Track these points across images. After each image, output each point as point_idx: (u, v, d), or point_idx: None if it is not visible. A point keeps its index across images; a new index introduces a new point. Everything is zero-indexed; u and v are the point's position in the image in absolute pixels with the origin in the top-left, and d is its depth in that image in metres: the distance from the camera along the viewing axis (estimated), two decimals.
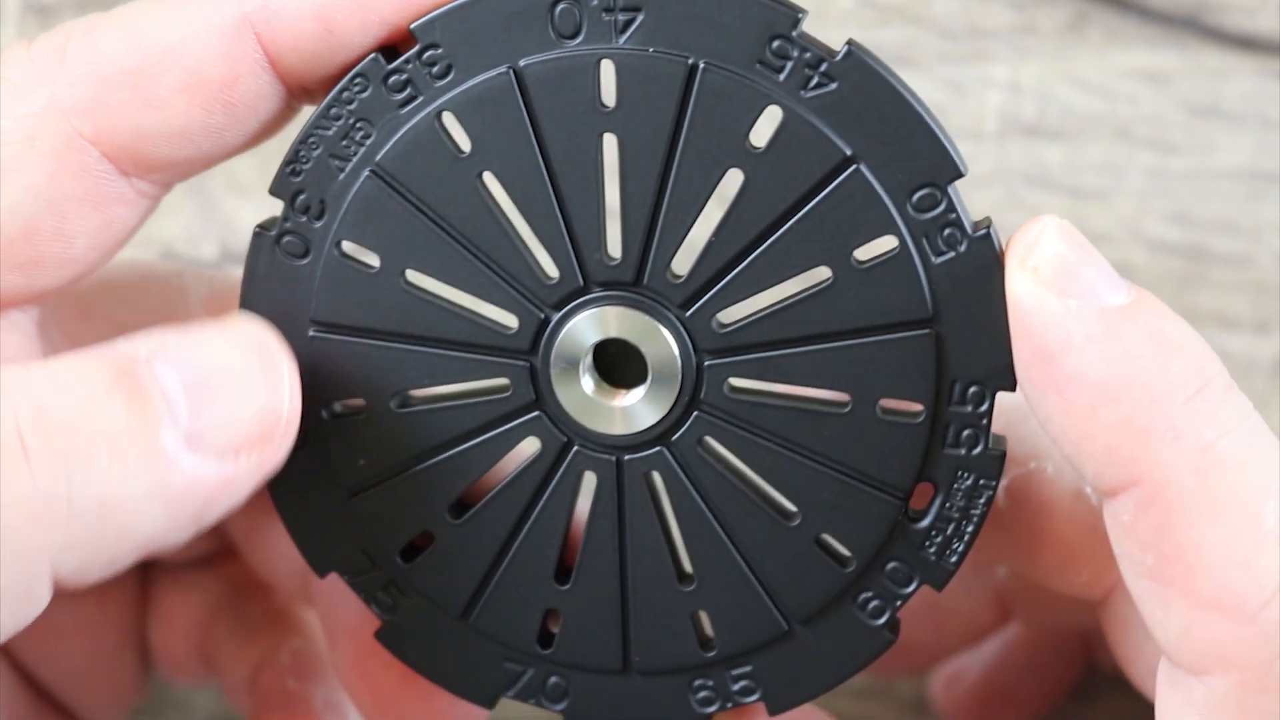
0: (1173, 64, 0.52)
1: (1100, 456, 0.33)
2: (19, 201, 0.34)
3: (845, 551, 0.35)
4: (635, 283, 0.35)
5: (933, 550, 0.35)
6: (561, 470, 0.35)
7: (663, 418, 0.35)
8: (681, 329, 0.35)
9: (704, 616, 0.36)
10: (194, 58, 0.34)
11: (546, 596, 0.36)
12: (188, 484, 0.32)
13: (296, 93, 0.35)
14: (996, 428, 0.35)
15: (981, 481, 0.35)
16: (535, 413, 0.35)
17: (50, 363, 0.32)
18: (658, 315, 0.35)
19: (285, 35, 0.34)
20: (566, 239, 0.34)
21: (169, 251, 0.47)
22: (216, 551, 0.43)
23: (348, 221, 0.35)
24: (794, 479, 0.35)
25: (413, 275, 0.35)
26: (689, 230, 0.34)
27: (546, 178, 0.34)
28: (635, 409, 0.35)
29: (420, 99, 0.35)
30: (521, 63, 0.34)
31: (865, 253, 0.34)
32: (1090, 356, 0.32)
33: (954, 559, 0.35)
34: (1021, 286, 0.33)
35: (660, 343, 0.35)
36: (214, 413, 0.33)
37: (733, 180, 0.34)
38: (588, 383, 0.35)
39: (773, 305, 0.34)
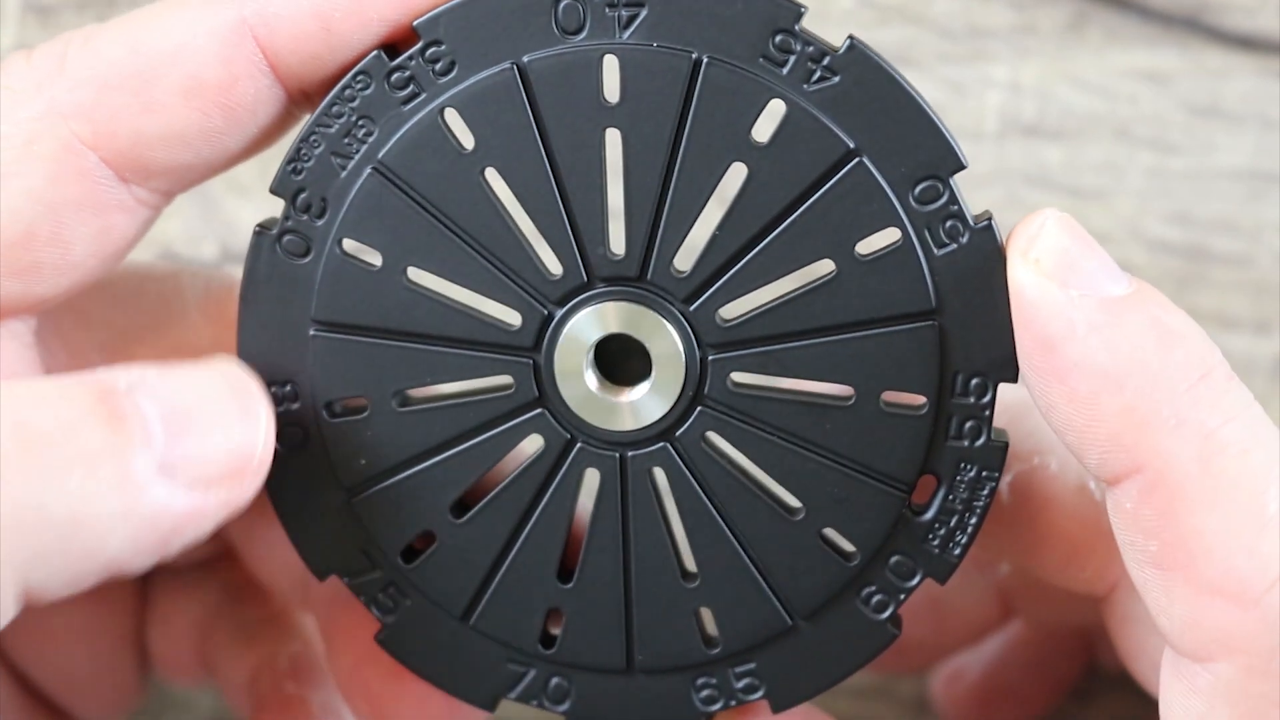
0: (1173, 64, 0.52)
1: (1103, 444, 0.33)
2: (17, 205, 0.34)
3: (849, 546, 0.35)
4: (638, 278, 0.35)
5: (936, 543, 0.35)
6: (564, 467, 0.35)
7: (666, 413, 0.35)
8: (685, 324, 0.35)
9: (707, 614, 0.36)
10: (192, 61, 0.34)
11: (549, 596, 0.36)
12: (156, 510, 0.33)
13: (296, 96, 0.35)
14: (1000, 424, 0.35)
15: (984, 473, 0.35)
16: (538, 410, 0.35)
17: (34, 381, 0.33)
18: (661, 310, 0.35)
19: (283, 37, 0.34)
20: (570, 235, 0.34)
21: (169, 252, 0.47)
22: (215, 555, 0.43)
23: (349, 219, 0.35)
24: (797, 473, 0.35)
25: (414, 273, 0.35)
26: (692, 225, 0.34)
27: (550, 173, 0.34)
28: (639, 405, 0.35)
29: (423, 96, 0.35)
30: (525, 58, 0.34)
31: (867, 245, 0.34)
32: (1093, 344, 0.32)
33: (957, 552, 0.35)
34: (1024, 277, 0.33)
35: (664, 338, 0.35)
36: (188, 445, 0.33)
37: (736, 175, 0.34)
38: (591, 379, 0.35)
39: (776, 299, 0.34)
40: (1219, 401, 0.32)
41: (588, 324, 0.35)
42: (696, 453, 0.35)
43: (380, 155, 0.35)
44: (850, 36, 0.34)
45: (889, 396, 0.34)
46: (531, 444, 0.36)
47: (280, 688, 0.42)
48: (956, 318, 0.34)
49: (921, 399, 0.34)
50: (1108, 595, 0.38)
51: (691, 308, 0.35)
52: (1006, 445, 0.35)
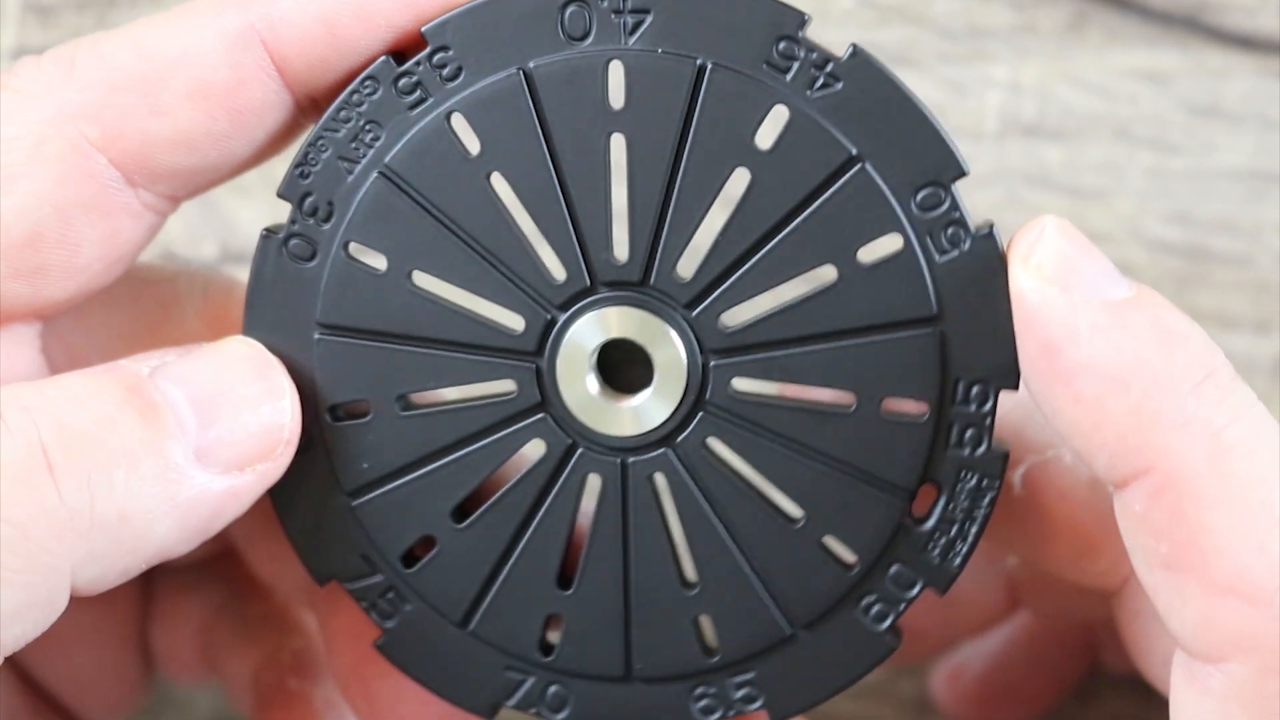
0: (1173, 64, 0.52)
1: (1110, 446, 0.33)
2: (25, 206, 0.34)
3: (849, 554, 0.35)
4: (641, 283, 0.35)
5: (936, 552, 0.35)
6: (566, 473, 0.35)
7: (668, 418, 0.35)
8: (687, 329, 0.35)
9: (706, 622, 0.36)
10: (200, 65, 0.34)
11: (548, 602, 0.36)
12: (197, 497, 0.34)
13: (303, 101, 0.35)
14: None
15: (985, 482, 0.35)
16: (540, 414, 0.35)
17: (61, 380, 0.33)
18: (664, 315, 0.35)
19: (290, 42, 0.34)
20: (573, 240, 0.34)
21: (168, 252, 0.47)
22: (218, 553, 0.43)
23: (355, 223, 0.35)
24: (798, 480, 0.35)
25: (419, 277, 0.35)
26: (695, 230, 0.34)
27: (555, 178, 0.34)
28: (641, 410, 0.35)
29: (430, 100, 0.35)
30: (531, 64, 0.34)
31: (869, 252, 0.34)
32: (1097, 347, 0.32)
33: (957, 561, 0.35)
34: (1025, 283, 0.33)
35: (666, 343, 0.35)
36: (220, 428, 0.34)
37: (739, 180, 0.34)
38: (593, 384, 0.35)
39: (778, 305, 0.34)
40: (1224, 400, 0.32)
41: (590, 329, 0.35)
42: (697, 459, 0.35)
43: (387, 159, 0.35)
44: (853, 44, 0.34)
45: (890, 404, 0.35)
46: (533, 449, 0.36)
47: (283, 684, 0.42)
48: (958, 325, 0.34)
49: (922, 406, 0.34)
50: (1119, 590, 0.38)
51: (694, 313, 0.35)
52: (1007, 454, 0.35)
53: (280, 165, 0.37)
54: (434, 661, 0.37)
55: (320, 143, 0.35)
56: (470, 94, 0.35)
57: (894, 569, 0.35)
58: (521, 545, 0.36)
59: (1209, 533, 0.32)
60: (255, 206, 0.51)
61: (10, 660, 0.42)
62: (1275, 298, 0.52)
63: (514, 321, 0.35)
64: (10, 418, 0.32)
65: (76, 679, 0.43)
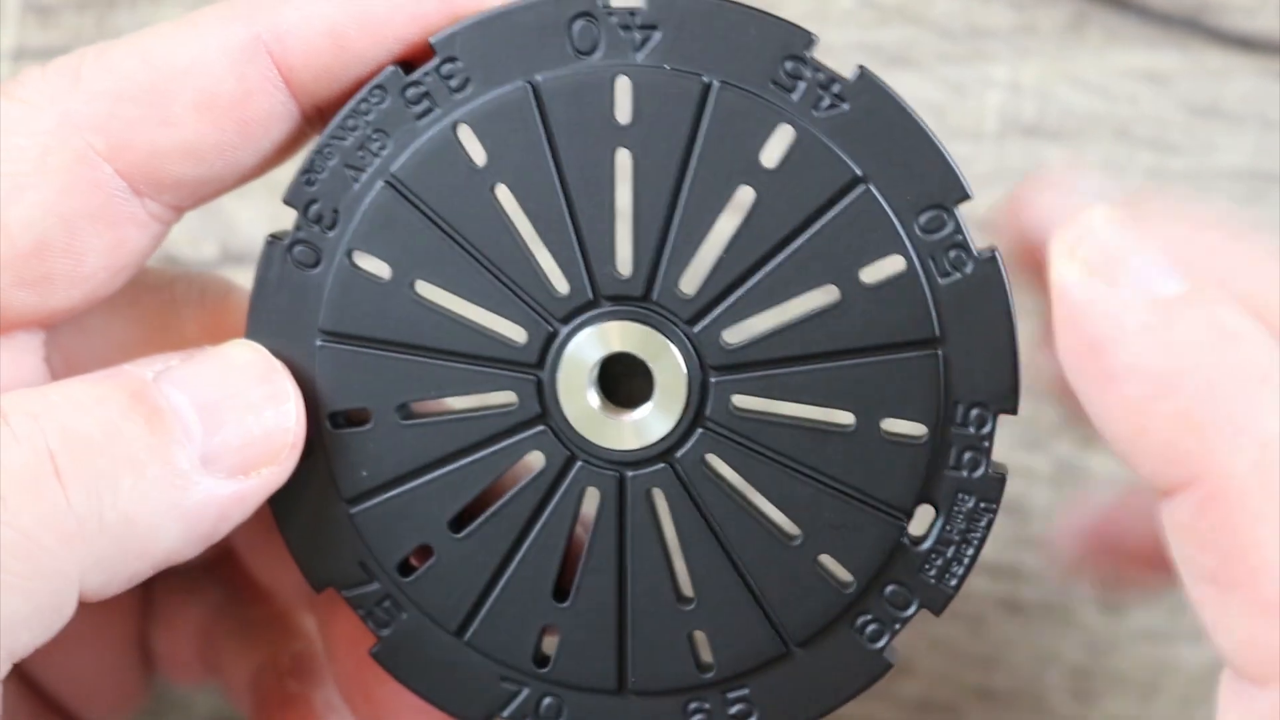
0: (1173, 64, 0.52)
1: (1156, 452, 0.31)
2: (32, 216, 0.34)
3: (845, 573, 0.35)
4: (644, 298, 0.35)
5: (932, 573, 0.35)
6: (564, 486, 0.36)
7: (667, 434, 0.35)
8: (689, 345, 0.35)
9: (701, 637, 0.36)
10: (207, 76, 0.34)
11: (544, 614, 0.36)
12: (203, 502, 0.34)
13: (309, 112, 0.35)
14: None
15: (982, 504, 0.35)
16: (540, 427, 0.35)
17: (65, 386, 0.33)
18: (665, 331, 0.35)
19: (297, 53, 0.34)
20: (577, 253, 0.35)
21: (168, 255, 0.47)
22: (217, 556, 0.43)
23: (360, 231, 0.35)
24: (796, 498, 0.35)
25: (422, 287, 0.35)
26: (699, 247, 0.34)
27: (560, 192, 0.34)
28: (640, 424, 0.35)
29: (437, 111, 0.35)
30: (538, 77, 0.34)
31: (872, 273, 0.34)
32: (1144, 346, 0.31)
33: (954, 583, 0.35)
34: (1069, 276, 0.32)
35: (667, 358, 0.35)
36: (226, 433, 0.34)
37: (743, 198, 0.34)
38: (593, 397, 0.35)
39: (780, 324, 0.34)
40: (1279, 407, 0.31)
41: (592, 342, 0.35)
42: (696, 474, 0.35)
43: (393, 169, 0.35)
44: (860, 65, 0.34)
45: (889, 424, 0.35)
46: (533, 461, 0.36)
47: (283, 686, 0.42)
48: (959, 348, 0.34)
49: (921, 428, 0.35)
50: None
51: (695, 329, 0.35)
52: (1004, 477, 0.35)
53: (282, 168, 0.37)
54: (429, 671, 0.37)
55: (327, 150, 0.35)
56: (477, 105, 0.35)
57: (890, 589, 0.35)
58: (519, 557, 0.36)
59: (1257, 547, 0.31)
60: (255, 207, 0.51)
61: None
62: None
63: (516, 333, 0.35)
64: (17, 424, 0.32)
65: (77, 680, 0.43)
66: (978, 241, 0.34)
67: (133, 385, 0.34)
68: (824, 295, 0.34)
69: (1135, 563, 0.46)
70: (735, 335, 0.35)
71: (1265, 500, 0.31)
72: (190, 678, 0.45)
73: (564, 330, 0.35)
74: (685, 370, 0.35)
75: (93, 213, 0.34)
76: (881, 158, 0.34)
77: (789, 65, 0.34)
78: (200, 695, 0.49)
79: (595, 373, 0.35)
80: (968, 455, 0.35)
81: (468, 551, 0.36)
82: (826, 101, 0.34)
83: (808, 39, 0.34)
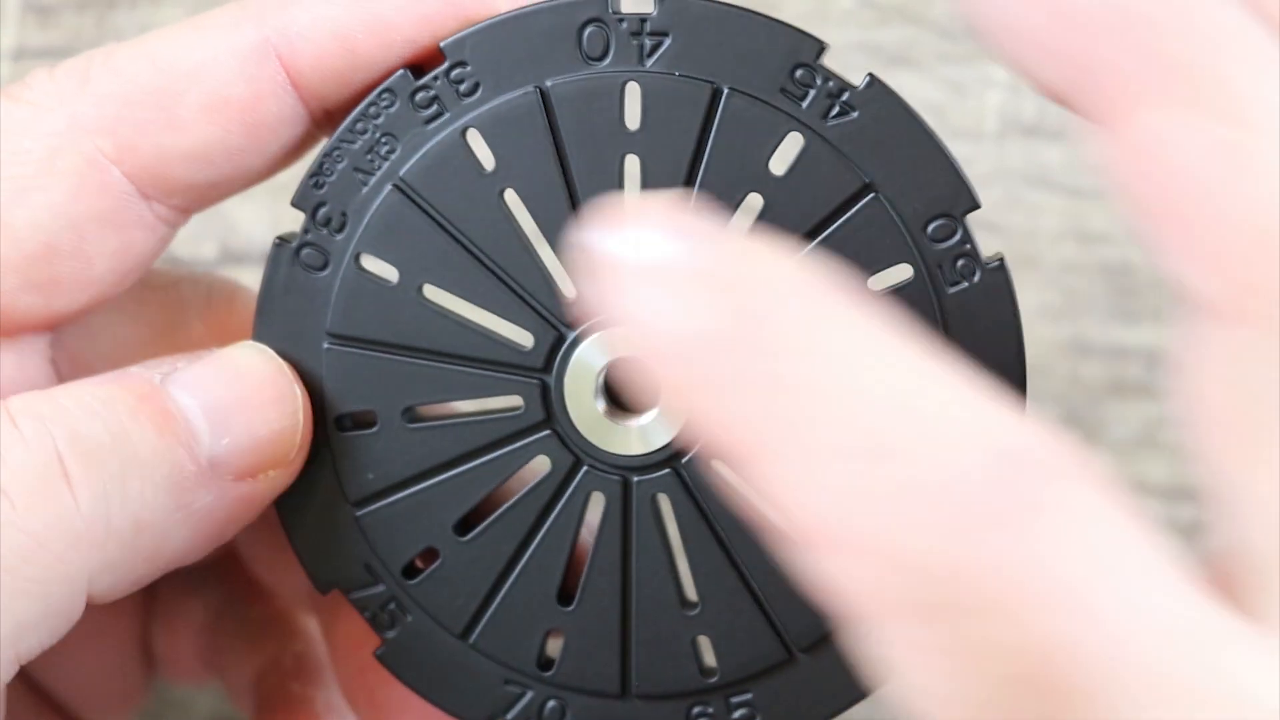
0: None
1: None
2: (40, 219, 0.34)
3: None
4: None
5: None
6: (570, 490, 0.36)
7: (673, 439, 0.35)
8: None
9: (705, 642, 0.36)
10: (216, 79, 0.34)
11: (549, 617, 0.36)
12: (211, 504, 0.34)
13: (318, 115, 0.35)
14: None
15: None
16: (546, 431, 0.36)
17: (73, 388, 0.33)
18: None
19: (306, 56, 0.34)
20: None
21: (169, 254, 0.47)
22: (220, 557, 0.43)
23: (368, 235, 0.35)
24: None
25: (430, 290, 0.35)
26: None
27: (568, 197, 0.34)
28: (647, 429, 0.35)
29: (446, 115, 0.35)
30: (548, 83, 0.34)
31: (880, 281, 0.34)
32: None
33: None
34: None
35: None
36: (233, 435, 0.34)
37: (752, 205, 0.34)
38: (600, 402, 0.35)
39: None
40: None
41: (599, 347, 0.35)
42: (701, 480, 0.35)
43: (401, 172, 0.35)
44: (870, 73, 0.34)
45: None
46: (538, 464, 0.36)
47: (285, 687, 0.42)
48: (967, 357, 0.34)
49: None
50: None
51: None
52: None
53: (286, 169, 0.37)
54: (434, 673, 0.37)
55: (336, 153, 0.35)
56: (487, 110, 0.35)
57: None
58: (524, 560, 0.36)
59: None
60: (256, 207, 0.51)
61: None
62: None
63: (523, 338, 0.35)
64: (26, 428, 0.32)
65: (78, 680, 0.43)
66: (985, 250, 0.34)
67: (140, 388, 0.34)
68: None
69: None
70: None
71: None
72: (192, 678, 0.45)
73: (571, 335, 0.35)
74: None
75: (100, 216, 0.34)
76: (890, 166, 0.34)
77: (799, 73, 0.34)
78: (200, 695, 0.49)
79: (601, 378, 0.35)
80: None
81: (473, 555, 0.36)
82: (836, 109, 0.34)
83: (818, 47, 0.34)
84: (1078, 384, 0.51)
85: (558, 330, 0.35)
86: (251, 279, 0.36)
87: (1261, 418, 0.27)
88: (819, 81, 0.34)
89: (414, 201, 0.35)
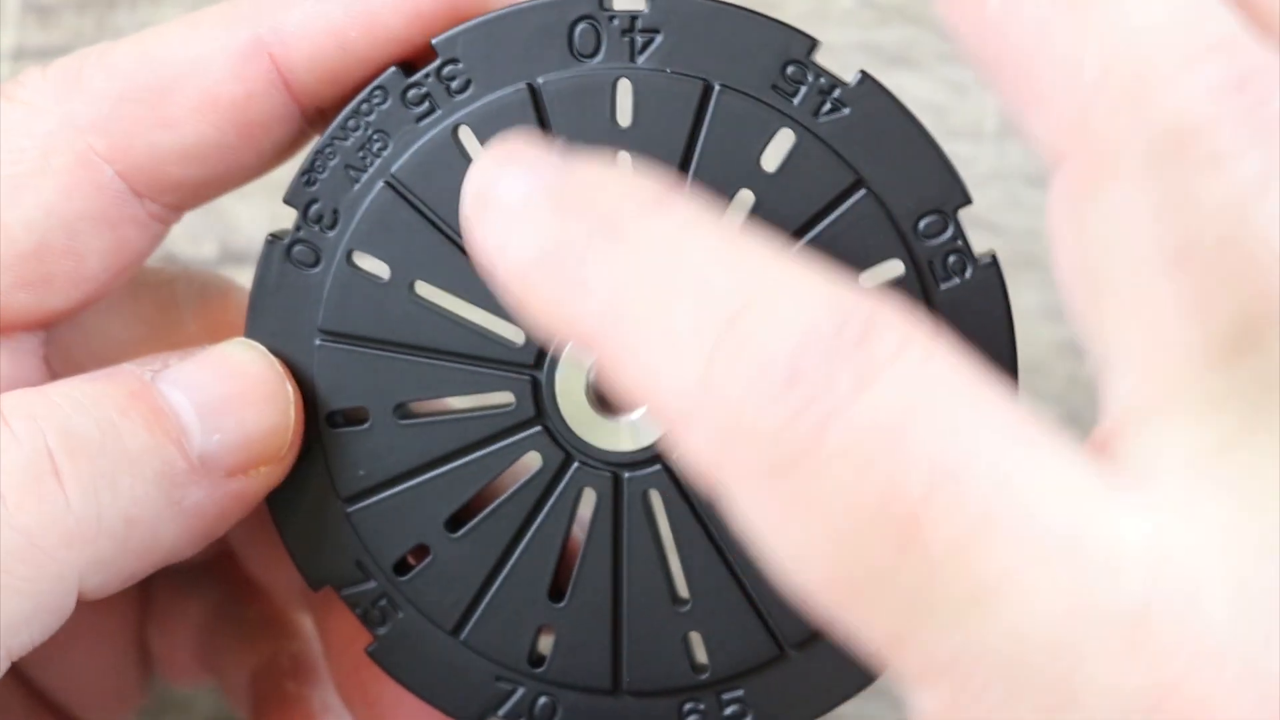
0: None
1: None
2: (32, 217, 0.34)
3: None
4: None
5: None
6: (561, 486, 0.36)
7: (664, 434, 0.35)
8: None
9: (697, 638, 0.36)
10: (208, 77, 0.34)
11: (540, 614, 0.36)
12: (203, 500, 0.34)
13: (310, 113, 0.35)
14: None
15: None
16: (537, 427, 0.36)
17: (64, 385, 0.33)
18: None
19: (298, 54, 0.34)
20: None
21: (169, 253, 0.47)
22: (215, 556, 0.44)
23: (360, 232, 0.35)
24: None
25: (421, 287, 0.35)
26: None
27: None
28: (638, 425, 0.35)
29: (438, 112, 0.35)
30: (539, 79, 0.34)
31: (871, 277, 0.34)
32: None
33: None
34: None
35: None
36: (224, 432, 0.34)
37: (744, 201, 0.34)
38: (591, 398, 0.35)
39: None
40: None
41: None
42: (692, 476, 0.35)
43: (393, 169, 0.35)
44: (861, 70, 0.34)
45: None
46: (530, 461, 0.36)
47: (281, 687, 0.42)
48: None
49: None
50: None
51: None
52: None
53: (283, 167, 0.37)
54: (425, 669, 0.37)
55: (328, 151, 0.35)
56: (478, 107, 0.35)
57: None
58: (515, 557, 0.36)
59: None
60: (255, 206, 0.51)
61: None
62: None
63: (514, 334, 0.35)
64: (16, 425, 0.32)
65: (74, 680, 0.43)
66: (977, 246, 0.34)
67: (131, 384, 0.34)
68: None
69: None
70: None
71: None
72: (188, 678, 0.45)
73: None
74: None
75: (94, 214, 0.34)
76: (882, 162, 0.34)
77: (790, 70, 0.34)
78: (200, 695, 0.49)
79: (592, 374, 0.35)
80: None
81: (464, 551, 0.36)
82: (827, 106, 0.34)
83: (809, 44, 0.34)
84: (1077, 384, 0.51)
85: None
86: (250, 278, 0.36)
87: (1114, 270, 0.27)
88: (810, 78, 0.34)
89: (405, 198, 0.35)
